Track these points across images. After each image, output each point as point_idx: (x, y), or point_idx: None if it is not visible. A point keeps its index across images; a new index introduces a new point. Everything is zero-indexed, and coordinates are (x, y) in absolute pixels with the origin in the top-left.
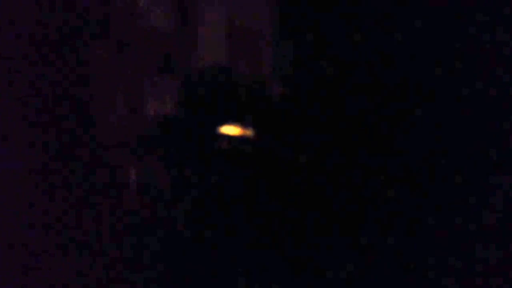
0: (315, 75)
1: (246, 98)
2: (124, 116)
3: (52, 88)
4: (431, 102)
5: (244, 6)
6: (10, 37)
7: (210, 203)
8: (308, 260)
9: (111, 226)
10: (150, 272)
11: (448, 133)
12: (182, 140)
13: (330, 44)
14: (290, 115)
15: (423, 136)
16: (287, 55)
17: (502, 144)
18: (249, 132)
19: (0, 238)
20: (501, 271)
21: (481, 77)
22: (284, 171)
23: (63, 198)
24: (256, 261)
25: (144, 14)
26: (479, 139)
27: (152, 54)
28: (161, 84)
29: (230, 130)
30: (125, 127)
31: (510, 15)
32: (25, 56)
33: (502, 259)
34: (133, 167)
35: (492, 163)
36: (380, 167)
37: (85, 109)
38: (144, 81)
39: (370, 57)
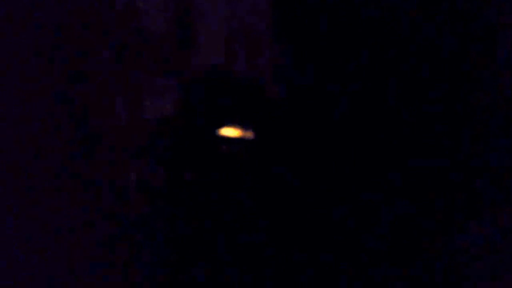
0: (315, 76)
1: (246, 100)
2: (123, 118)
3: (51, 88)
4: (434, 107)
5: (243, 7)
6: (9, 37)
7: (209, 205)
8: (309, 263)
9: (110, 227)
10: (149, 273)
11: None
12: (180, 142)
13: (330, 45)
14: (290, 117)
15: (425, 138)
16: (287, 56)
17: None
18: (248, 134)
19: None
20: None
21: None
22: (283, 173)
23: (62, 199)
24: (256, 264)
25: (143, 15)
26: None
27: (150, 55)
28: (160, 86)
29: (229, 132)
30: (123, 129)
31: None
32: (23, 55)
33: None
34: (132, 169)
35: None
36: (381, 169)
37: (84, 110)
38: (143, 83)
39: (370, 58)
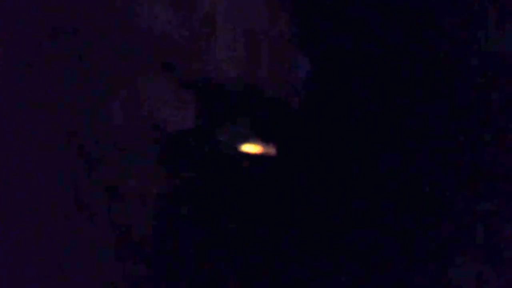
0: (333, 83)
1: (266, 111)
2: (123, 117)
3: (50, 88)
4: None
5: (261, 12)
6: (8, 37)
7: (210, 206)
8: (312, 264)
9: (109, 228)
10: (149, 273)
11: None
12: (183, 145)
13: (348, 53)
14: (307, 124)
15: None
16: (305, 63)
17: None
18: (270, 149)
19: None
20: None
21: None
22: (299, 179)
23: (61, 200)
24: (256, 264)
25: (152, 16)
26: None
27: (154, 55)
28: (161, 86)
29: (249, 147)
30: (123, 128)
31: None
32: (22, 55)
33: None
34: (132, 168)
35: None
36: (395, 173)
37: (84, 109)
38: (142, 82)
39: (389, 66)
